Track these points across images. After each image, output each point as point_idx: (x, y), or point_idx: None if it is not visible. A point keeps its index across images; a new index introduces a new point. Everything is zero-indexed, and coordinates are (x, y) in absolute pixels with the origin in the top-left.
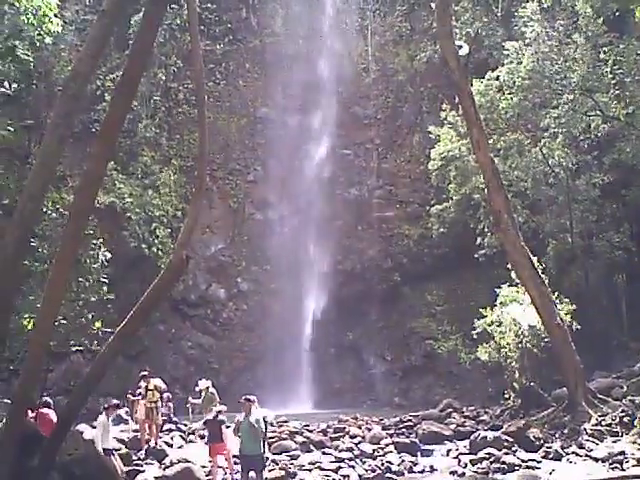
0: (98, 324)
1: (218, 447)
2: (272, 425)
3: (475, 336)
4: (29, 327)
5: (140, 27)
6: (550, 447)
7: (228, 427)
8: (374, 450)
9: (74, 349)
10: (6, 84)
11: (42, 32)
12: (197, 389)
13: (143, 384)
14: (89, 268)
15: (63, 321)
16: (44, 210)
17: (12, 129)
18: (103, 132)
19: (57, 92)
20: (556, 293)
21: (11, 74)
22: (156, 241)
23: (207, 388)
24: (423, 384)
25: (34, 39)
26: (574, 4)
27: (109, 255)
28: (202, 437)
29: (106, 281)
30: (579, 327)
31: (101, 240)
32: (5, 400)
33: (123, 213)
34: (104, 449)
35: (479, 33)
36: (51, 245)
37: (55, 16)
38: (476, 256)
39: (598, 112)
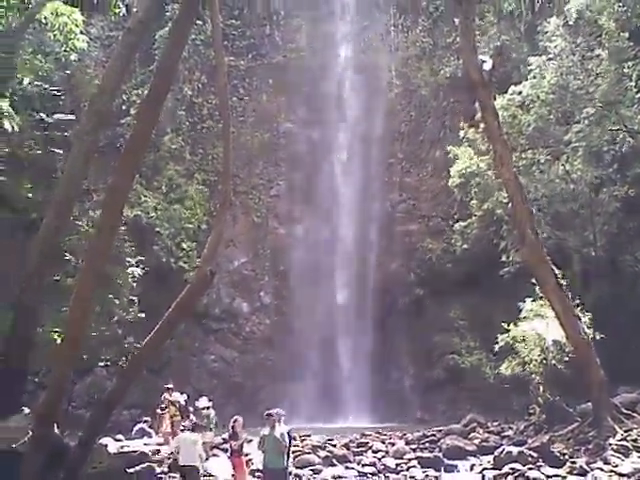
0: (128, 340)
1: (235, 460)
2: (295, 439)
3: (499, 350)
4: (56, 340)
5: (166, 45)
6: (575, 462)
7: (249, 441)
8: (397, 465)
9: (100, 363)
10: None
11: (68, 48)
12: (198, 404)
13: (168, 397)
14: (120, 286)
15: (91, 335)
16: (72, 224)
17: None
18: (130, 147)
19: (83, 108)
20: (580, 307)
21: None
22: (181, 254)
23: (204, 408)
24: (446, 399)
25: (60, 55)
26: (598, 19)
27: (139, 272)
28: (224, 451)
29: (135, 299)
30: (603, 342)
31: (136, 260)
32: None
33: (149, 227)
34: (183, 466)
35: (502, 47)
36: (79, 259)
37: (81, 33)
38: (500, 273)
39: (622, 126)
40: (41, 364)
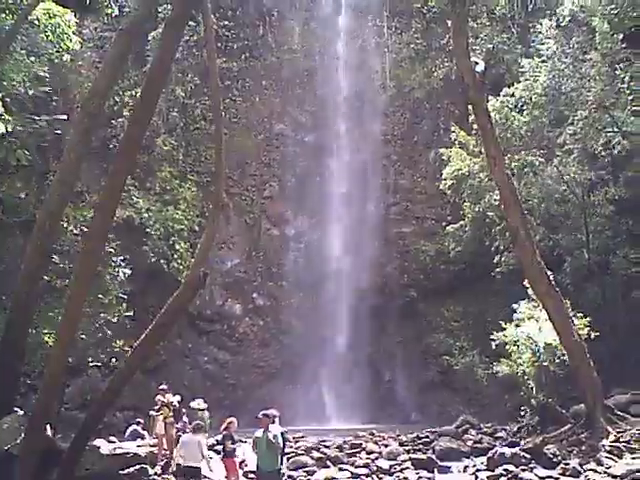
0: (120, 342)
1: (228, 462)
2: (289, 441)
3: (492, 351)
4: (49, 342)
5: (159, 47)
6: (568, 464)
7: (242, 442)
8: (391, 466)
9: (92, 364)
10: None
11: (61, 49)
12: (192, 404)
13: (161, 398)
14: (108, 285)
15: (82, 336)
16: (64, 226)
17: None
18: (122, 149)
19: (75, 109)
20: (573, 309)
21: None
22: (175, 255)
23: (200, 410)
24: (440, 400)
25: (53, 56)
26: (591, 21)
27: (129, 272)
28: (218, 452)
29: (125, 297)
30: (596, 343)
31: (122, 258)
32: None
33: (141, 228)
34: (185, 467)
35: (495, 49)
36: (71, 261)
37: (73, 34)
38: (493, 274)
39: (615, 128)
40: (34, 366)
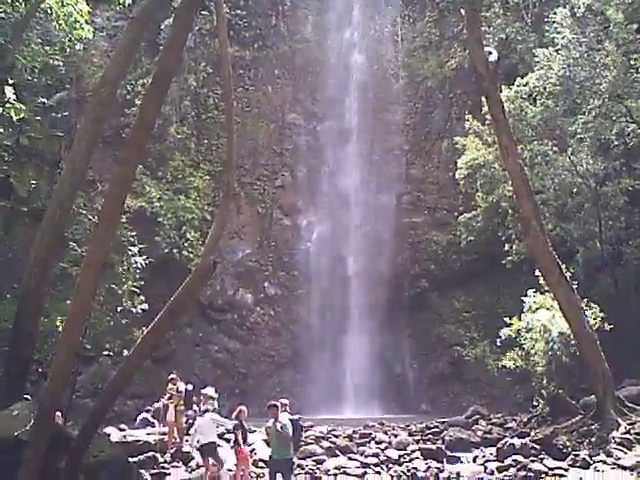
0: (134, 331)
1: (238, 450)
2: (302, 428)
3: (503, 342)
4: (60, 330)
5: (170, 33)
6: (578, 455)
7: (253, 431)
8: (400, 456)
9: (105, 353)
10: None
11: (73, 38)
12: (203, 391)
13: (173, 387)
14: (124, 275)
15: (96, 324)
16: (76, 213)
17: (41, 136)
18: (133, 137)
19: (87, 98)
20: (585, 300)
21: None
22: (186, 244)
23: (210, 398)
24: (450, 391)
25: (65, 45)
26: (605, 10)
27: (143, 262)
28: (228, 441)
29: (138, 290)
30: (608, 334)
31: (138, 249)
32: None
33: (153, 217)
34: (203, 444)
35: (509, 39)
36: (84, 248)
37: (86, 22)
38: (504, 262)
39: (629, 119)
40: (45, 354)
